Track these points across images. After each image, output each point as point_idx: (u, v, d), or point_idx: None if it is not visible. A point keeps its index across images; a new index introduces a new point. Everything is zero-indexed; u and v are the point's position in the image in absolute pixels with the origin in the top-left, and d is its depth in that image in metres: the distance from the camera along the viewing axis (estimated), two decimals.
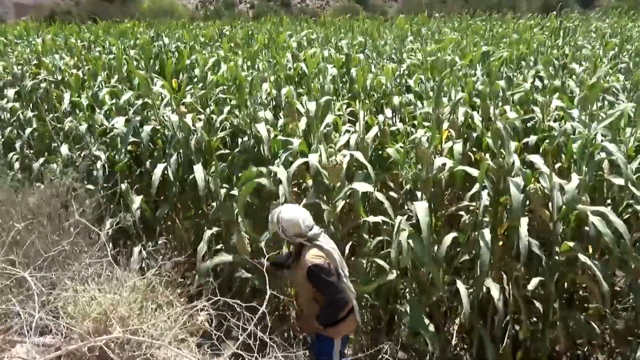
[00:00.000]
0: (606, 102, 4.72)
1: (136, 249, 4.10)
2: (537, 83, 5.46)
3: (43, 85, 6.03)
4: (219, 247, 4.66)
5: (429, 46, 7.36)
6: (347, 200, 4.02)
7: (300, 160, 3.91)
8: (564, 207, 3.56)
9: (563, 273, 3.85)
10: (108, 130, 5.06)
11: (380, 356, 2.95)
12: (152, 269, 2.65)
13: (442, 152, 4.24)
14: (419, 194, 4.00)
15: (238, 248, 3.65)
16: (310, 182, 4.19)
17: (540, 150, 4.26)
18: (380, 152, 4.49)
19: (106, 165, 4.76)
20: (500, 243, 3.92)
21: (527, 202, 3.67)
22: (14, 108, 5.82)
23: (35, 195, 3.44)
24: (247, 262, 3.53)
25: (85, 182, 4.38)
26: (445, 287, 3.96)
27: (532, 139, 4.33)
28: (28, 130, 5.41)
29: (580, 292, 4.32)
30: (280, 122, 4.86)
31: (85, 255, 2.81)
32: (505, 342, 3.85)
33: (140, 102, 5.13)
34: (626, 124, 4.17)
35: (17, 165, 5.27)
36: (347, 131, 4.51)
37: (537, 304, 3.97)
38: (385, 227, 3.99)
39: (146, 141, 4.72)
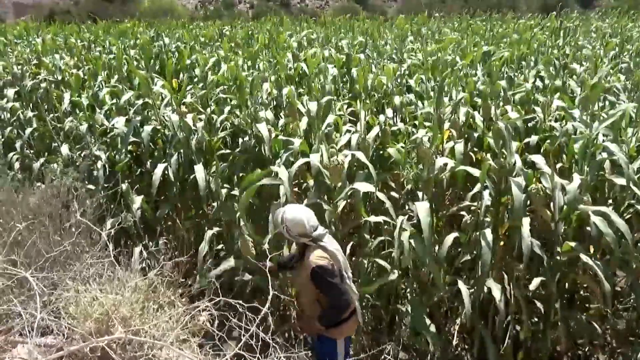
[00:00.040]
0: (607, 102, 4.72)
1: (137, 249, 4.10)
2: (538, 83, 5.46)
3: (43, 85, 6.02)
4: (220, 247, 4.66)
5: (429, 46, 7.36)
6: (348, 200, 4.01)
7: (301, 160, 3.90)
8: (565, 207, 3.56)
9: (564, 273, 3.85)
10: (108, 130, 5.05)
11: (383, 356, 2.94)
12: (153, 269, 2.64)
13: (443, 152, 4.24)
14: (420, 194, 3.99)
15: (242, 251, 3.63)
16: (311, 182, 4.19)
17: (542, 150, 4.26)
18: (381, 152, 4.48)
19: (107, 165, 4.75)
20: (502, 243, 3.92)
21: (528, 202, 3.66)
22: (14, 108, 5.81)
23: (36, 195, 3.43)
24: (253, 266, 3.51)
25: (86, 182, 4.36)
26: (446, 287, 3.96)
27: (534, 139, 4.33)
28: (28, 130, 5.40)
29: (581, 293, 4.31)
30: (281, 122, 4.85)
31: (87, 255, 2.80)
32: (506, 342, 3.85)
33: (140, 102, 5.13)
34: (627, 124, 4.17)
35: (17, 165, 5.26)
36: (348, 131, 4.50)
37: (538, 304, 3.97)
38: (386, 227, 3.99)
39: (147, 141, 4.71)
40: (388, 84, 5.38)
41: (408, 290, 4.18)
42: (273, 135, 4.48)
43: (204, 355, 2.36)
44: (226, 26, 12.38)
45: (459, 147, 4.08)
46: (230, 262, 3.87)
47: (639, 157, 3.90)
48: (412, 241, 3.56)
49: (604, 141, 3.77)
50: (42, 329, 2.37)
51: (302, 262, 3.04)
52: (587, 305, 4.22)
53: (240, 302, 2.47)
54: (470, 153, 4.46)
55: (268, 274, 2.89)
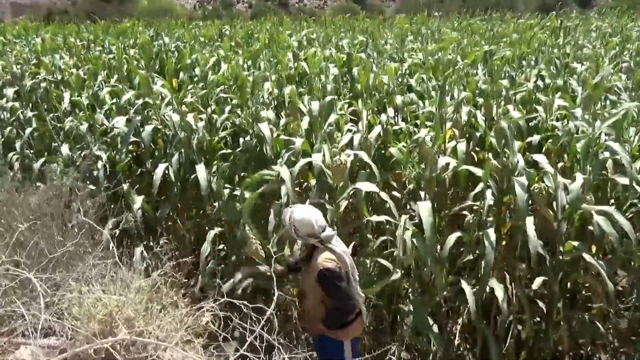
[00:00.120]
0: (608, 102, 4.72)
1: (138, 249, 4.08)
2: (539, 82, 5.46)
3: (43, 85, 6.00)
4: (221, 247, 4.65)
5: (429, 46, 7.36)
6: (350, 200, 4.00)
7: (304, 160, 3.89)
8: (568, 206, 3.55)
9: (566, 273, 3.85)
10: (109, 130, 5.03)
11: (388, 357, 2.93)
12: (156, 269, 2.63)
13: (445, 152, 4.23)
14: (422, 193, 3.99)
15: (252, 255, 3.60)
16: (312, 182, 4.18)
17: (543, 150, 4.26)
18: (383, 151, 4.47)
19: (107, 166, 4.73)
20: (504, 243, 3.91)
21: (530, 202, 3.66)
22: (13, 108, 5.79)
23: (38, 196, 3.41)
24: (266, 273, 3.49)
25: (88, 183, 4.35)
26: (448, 287, 3.95)
27: (536, 138, 4.32)
28: (28, 130, 5.38)
29: (583, 292, 4.31)
30: (282, 121, 4.84)
31: (90, 256, 2.79)
32: (508, 342, 3.85)
33: (140, 101, 5.11)
34: (630, 123, 4.16)
35: (17, 165, 5.24)
36: (349, 130, 4.49)
37: (541, 304, 3.97)
38: (388, 226, 3.98)
39: (147, 141, 4.69)
40: (389, 83, 5.37)
41: (410, 290, 4.17)
42: (274, 134, 4.46)
43: (208, 357, 2.35)
44: (226, 26, 12.36)
45: (461, 146, 4.07)
46: (245, 271, 3.80)
47: None
48: (414, 240, 3.56)
49: (606, 140, 3.77)
50: (45, 330, 2.35)
51: (309, 263, 3.02)
52: (589, 304, 4.21)
53: (245, 302, 2.46)
54: (472, 153, 4.45)
55: (274, 276, 2.87)
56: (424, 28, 10.50)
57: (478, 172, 3.69)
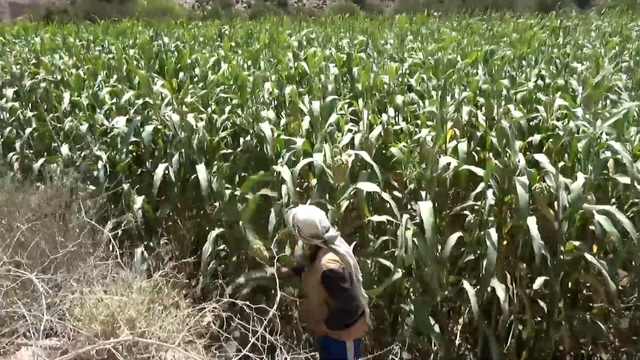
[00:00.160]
0: (608, 101, 4.72)
1: (138, 250, 4.07)
2: (539, 82, 5.45)
3: (43, 85, 5.99)
4: (221, 247, 4.64)
5: (429, 45, 7.35)
6: (351, 200, 3.99)
7: (305, 160, 3.88)
8: (569, 206, 3.55)
9: (567, 272, 3.84)
10: (109, 130, 5.02)
11: (390, 357, 2.92)
12: (158, 270, 2.62)
13: (446, 152, 4.23)
14: (423, 193, 3.98)
15: (257, 257, 3.57)
16: (313, 182, 4.17)
17: (544, 149, 4.26)
18: (383, 151, 4.47)
19: (107, 166, 4.73)
20: (505, 242, 3.91)
21: (531, 202, 3.65)
22: (13, 108, 5.78)
23: (38, 196, 3.40)
24: (279, 275, 3.48)
25: (88, 183, 4.34)
26: (449, 287, 3.95)
27: (536, 137, 4.32)
28: (28, 130, 5.37)
29: (584, 292, 4.31)
30: (283, 121, 4.83)
31: (91, 256, 2.78)
32: (509, 341, 3.85)
33: (140, 101, 5.10)
34: (631, 123, 4.16)
35: (16, 165, 5.22)
36: (350, 130, 4.49)
37: (542, 304, 3.96)
38: (389, 226, 3.98)
39: (147, 141, 4.68)
40: (390, 83, 5.36)
41: (411, 290, 4.17)
42: (275, 134, 4.46)
43: (210, 357, 2.34)
44: (225, 25, 12.34)
45: (462, 146, 4.07)
46: (253, 275, 3.78)
47: None
48: (415, 240, 3.55)
49: (607, 140, 3.76)
50: (46, 331, 2.34)
51: (313, 264, 3.01)
52: (590, 304, 4.21)
53: (247, 303, 2.45)
54: (473, 152, 4.44)
55: (277, 278, 2.86)
56: (424, 28, 10.49)
57: (479, 171, 3.69)
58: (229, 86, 5.43)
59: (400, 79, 5.68)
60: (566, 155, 4.23)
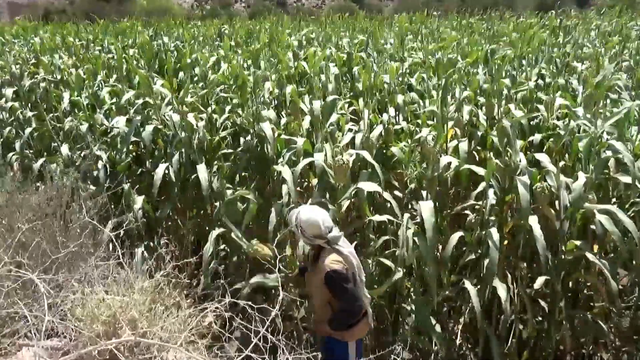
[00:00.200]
0: (608, 101, 4.71)
1: (139, 250, 4.06)
2: (539, 81, 5.45)
3: (42, 85, 5.98)
4: (222, 247, 4.63)
5: (429, 45, 7.35)
6: (352, 200, 3.99)
7: (306, 160, 3.88)
8: (570, 205, 3.55)
9: (568, 272, 3.84)
10: (109, 130, 5.01)
11: (392, 358, 2.92)
12: (159, 270, 2.61)
13: (447, 151, 4.22)
14: (424, 193, 3.98)
15: (259, 257, 3.55)
16: (314, 181, 4.17)
17: (544, 149, 4.25)
18: (384, 151, 4.46)
19: (107, 166, 4.72)
20: (505, 242, 3.90)
21: (532, 201, 3.65)
22: (13, 107, 5.76)
23: (38, 196, 3.39)
24: (289, 280, 3.46)
25: (89, 183, 4.33)
26: (450, 287, 3.94)
27: (537, 137, 4.32)
28: (28, 130, 5.36)
29: (585, 291, 4.31)
30: (283, 121, 4.83)
31: (92, 256, 2.77)
32: (510, 341, 3.84)
33: (140, 101, 5.09)
34: (632, 122, 4.16)
35: (16, 165, 5.21)
36: (350, 130, 4.48)
37: (543, 303, 3.96)
38: (390, 226, 3.97)
39: (148, 141, 4.67)
40: (391, 82, 5.36)
41: (412, 289, 4.17)
42: (276, 134, 4.45)
43: (212, 357, 2.34)
44: (225, 25, 12.33)
45: (463, 145, 4.07)
46: (262, 279, 3.75)
47: None
48: (416, 239, 3.55)
49: (608, 140, 3.76)
50: (48, 332, 2.33)
51: (316, 264, 2.99)
52: (591, 304, 4.21)
53: (250, 303, 2.45)
54: (474, 152, 4.44)
55: (279, 277, 2.85)
56: (424, 28, 10.48)
57: (480, 171, 3.69)
58: (229, 86, 5.42)
59: (400, 79, 5.68)
60: (567, 155, 4.23)
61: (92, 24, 12.91)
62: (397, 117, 5.03)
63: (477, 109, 4.68)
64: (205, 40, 9.48)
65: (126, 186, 4.42)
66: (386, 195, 3.81)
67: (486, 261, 3.55)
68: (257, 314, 2.46)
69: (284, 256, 3.47)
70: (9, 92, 5.98)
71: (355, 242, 4.12)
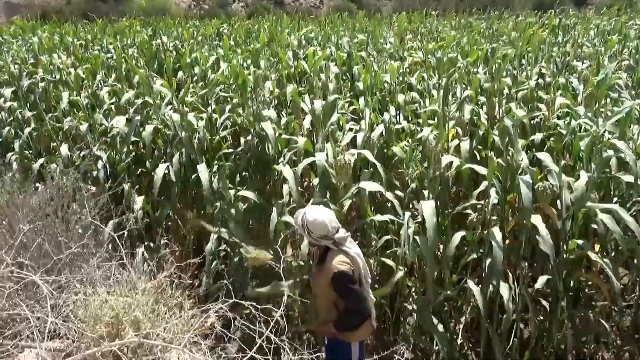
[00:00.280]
0: (608, 100, 4.71)
1: (140, 250, 4.05)
2: (540, 81, 5.45)
3: (41, 84, 5.96)
4: (222, 247, 4.62)
5: (429, 44, 7.34)
6: (353, 200, 3.98)
7: (308, 159, 3.87)
8: (573, 204, 3.54)
9: (570, 271, 3.84)
10: (108, 130, 4.99)
11: (396, 358, 2.91)
12: (162, 271, 2.60)
13: (448, 150, 4.22)
14: (425, 192, 3.97)
15: (258, 263, 3.53)
16: (315, 181, 4.16)
17: (545, 148, 4.25)
18: (385, 150, 4.46)
19: (107, 166, 4.70)
20: (507, 241, 3.90)
21: (533, 200, 3.65)
22: (12, 107, 5.74)
23: (39, 196, 3.37)
24: (297, 286, 3.44)
25: (90, 183, 4.32)
26: (452, 286, 3.93)
27: (538, 136, 4.31)
28: (27, 130, 5.34)
29: (586, 290, 4.31)
30: (284, 120, 4.82)
31: (95, 257, 2.76)
32: (512, 341, 3.84)
33: (140, 101, 5.07)
34: (633, 121, 4.16)
35: (15, 165, 5.19)
36: (350, 129, 4.47)
37: (544, 303, 3.96)
38: (391, 225, 3.97)
39: (148, 141, 4.66)
40: (392, 82, 5.35)
41: (413, 289, 4.16)
42: (276, 134, 4.44)
43: (215, 358, 2.33)
44: (224, 25, 12.31)
45: (465, 145, 4.06)
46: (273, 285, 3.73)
47: None
48: (417, 238, 3.54)
49: (609, 139, 3.76)
50: (50, 333, 2.32)
51: (322, 265, 2.96)
52: (592, 303, 4.21)
53: (254, 304, 2.44)
54: (475, 151, 4.44)
55: (283, 277, 2.83)
56: (422, 27, 10.48)
57: (482, 170, 3.68)
58: (229, 85, 5.41)
59: (400, 78, 5.67)
60: (567, 155, 4.23)
61: (90, 23, 12.87)
62: (397, 117, 5.02)
63: (478, 108, 4.67)
64: (204, 39, 9.46)
65: (126, 186, 4.40)
66: (388, 195, 3.80)
67: (488, 261, 3.54)
68: (260, 314, 2.46)
69: (285, 258, 3.46)
70: (7, 92, 5.95)
71: (356, 242, 4.13)
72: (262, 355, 2.30)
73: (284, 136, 4.48)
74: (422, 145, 4.14)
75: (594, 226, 3.73)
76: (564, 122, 4.27)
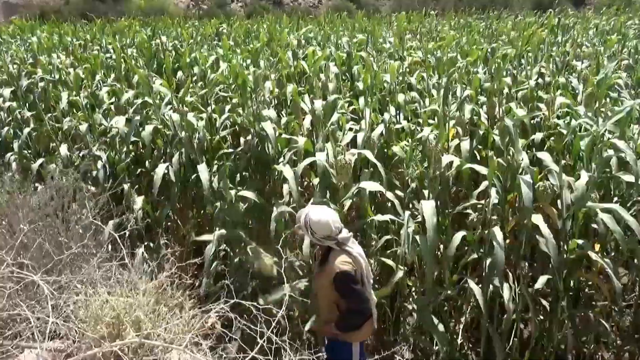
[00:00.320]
0: (608, 99, 4.72)
1: (140, 251, 4.04)
2: (539, 80, 5.45)
3: (41, 84, 5.94)
4: (222, 247, 4.61)
5: (429, 44, 7.34)
6: (353, 199, 3.98)
7: (309, 159, 3.86)
8: (573, 204, 3.54)
9: (570, 271, 3.84)
10: (108, 130, 4.98)
11: (398, 359, 2.91)
12: (163, 271, 2.60)
13: (448, 150, 4.22)
14: (425, 192, 3.97)
15: (264, 271, 3.53)
16: (315, 181, 4.15)
17: (545, 148, 4.25)
18: (385, 150, 4.45)
19: (107, 166, 4.69)
20: (507, 241, 3.90)
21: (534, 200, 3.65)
22: (11, 107, 5.73)
23: (40, 197, 3.36)
24: (299, 289, 3.44)
25: (90, 184, 4.31)
26: (452, 286, 3.93)
27: (538, 136, 4.31)
28: (26, 130, 5.32)
29: (586, 290, 4.31)
30: (284, 120, 4.81)
31: (95, 257, 2.75)
32: (512, 340, 3.84)
33: (140, 101, 5.06)
34: (633, 121, 4.16)
35: (14, 165, 5.18)
36: (351, 129, 4.47)
37: (544, 303, 3.96)
38: (392, 225, 3.96)
39: (148, 141, 4.65)
40: (391, 82, 5.35)
41: (413, 289, 4.16)
42: (277, 133, 4.43)
43: (216, 358, 2.32)
44: (223, 24, 12.30)
45: (465, 144, 4.06)
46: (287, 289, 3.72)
47: None
48: (417, 237, 3.54)
49: (609, 138, 3.76)
50: (50, 334, 2.31)
51: (324, 265, 2.95)
52: (592, 303, 4.21)
53: (255, 304, 2.43)
54: (475, 151, 4.44)
55: (284, 277, 2.83)
56: (422, 27, 10.49)
57: (482, 170, 3.68)
58: (228, 85, 5.40)
59: (400, 78, 5.67)
60: (567, 154, 4.23)
61: (89, 23, 12.86)
62: (397, 117, 5.02)
63: (478, 107, 4.67)
64: (203, 39, 9.45)
65: (126, 186, 4.39)
66: (388, 194, 3.80)
67: (488, 260, 3.54)
68: (261, 314, 2.45)
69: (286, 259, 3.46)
70: (6, 92, 5.94)
71: (357, 242, 4.12)
72: (263, 355, 2.30)
73: (284, 136, 4.47)
74: (422, 145, 4.13)
75: (594, 226, 3.73)
76: (564, 121, 4.27)
